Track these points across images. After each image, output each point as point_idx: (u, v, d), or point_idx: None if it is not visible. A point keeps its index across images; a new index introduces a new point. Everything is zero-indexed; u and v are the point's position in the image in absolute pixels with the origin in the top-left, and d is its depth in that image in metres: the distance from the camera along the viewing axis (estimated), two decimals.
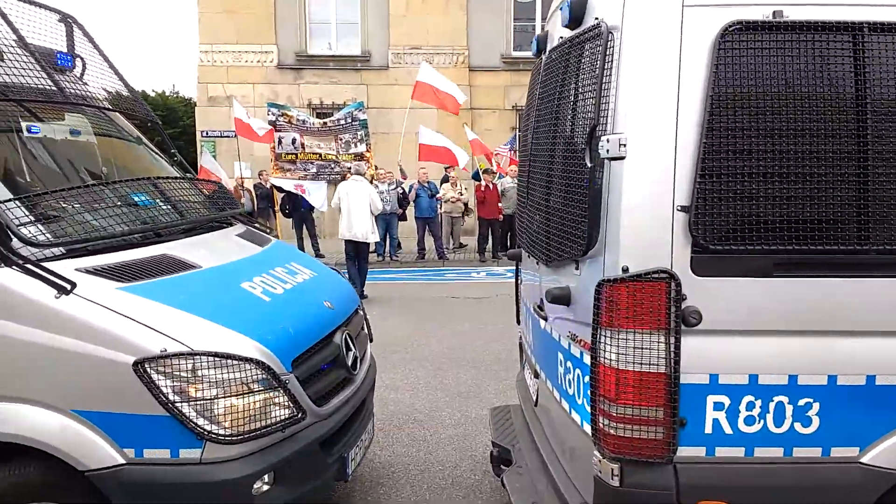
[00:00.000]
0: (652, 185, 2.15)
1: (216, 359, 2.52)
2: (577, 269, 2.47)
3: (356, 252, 10.11)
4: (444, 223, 14.28)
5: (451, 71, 17.62)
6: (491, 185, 13.65)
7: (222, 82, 18.15)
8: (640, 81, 2.16)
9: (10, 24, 3.28)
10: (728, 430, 2.23)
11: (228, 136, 17.41)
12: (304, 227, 14.43)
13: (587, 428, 2.40)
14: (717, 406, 2.22)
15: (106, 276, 2.62)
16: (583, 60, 2.44)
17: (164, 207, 3.41)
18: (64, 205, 2.91)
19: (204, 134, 18.23)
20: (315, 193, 13.48)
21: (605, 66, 2.22)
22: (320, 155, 14.57)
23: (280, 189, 14.07)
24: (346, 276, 9.27)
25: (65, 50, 3.86)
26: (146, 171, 4.00)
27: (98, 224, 2.86)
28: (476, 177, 14.31)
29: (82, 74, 3.91)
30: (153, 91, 28.14)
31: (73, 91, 3.63)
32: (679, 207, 2.14)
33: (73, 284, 2.46)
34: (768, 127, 2.12)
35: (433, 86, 13.81)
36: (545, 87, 2.91)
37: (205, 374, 2.50)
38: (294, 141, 14.53)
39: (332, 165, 14.91)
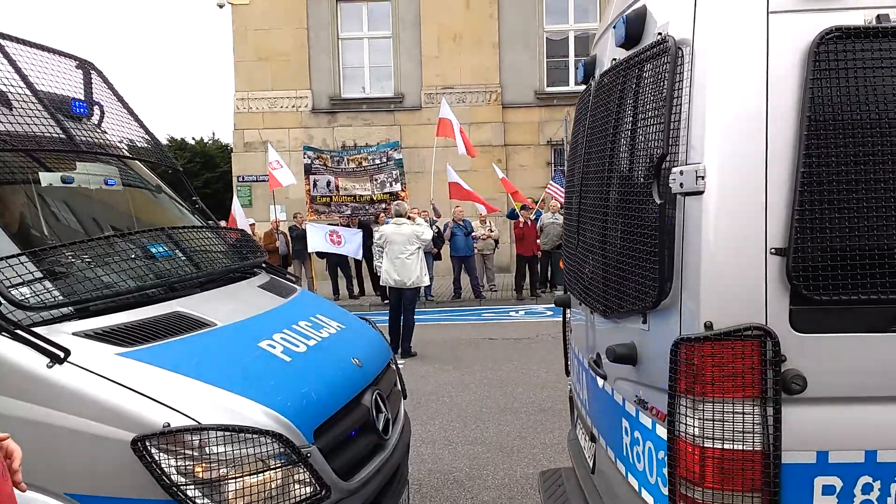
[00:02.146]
0: (739, 224, 1.79)
1: (227, 433, 2.19)
2: (644, 322, 2.09)
3: (399, 301, 8.85)
4: (476, 262, 13.95)
5: (484, 109, 17.53)
6: (529, 222, 13.31)
7: (258, 128, 18.34)
8: (718, 103, 1.82)
9: (17, 69, 3.10)
10: None
11: (264, 181, 17.49)
12: (339, 269, 14.22)
13: None
14: (828, 490, 1.82)
15: (106, 340, 2.34)
16: (643, 82, 2.11)
17: (181, 259, 3.14)
18: (70, 260, 2.66)
19: (240, 179, 18.37)
20: (350, 242, 13.25)
21: (675, 87, 1.89)
22: (355, 197, 14.45)
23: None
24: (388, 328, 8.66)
25: (81, 97, 3.68)
26: (166, 220, 3.77)
27: (105, 281, 2.59)
28: (512, 215, 14.01)
29: (100, 122, 3.72)
30: (192, 139, 28.65)
31: (86, 139, 3.42)
32: (773, 250, 1.77)
33: (67, 352, 2.18)
34: (879, 150, 1.74)
35: (450, 121, 13.79)
36: (596, 116, 2.58)
37: (214, 450, 2.17)
38: (329, 183, 14.44)
39: (367, 207, 14.76)
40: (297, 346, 2.82)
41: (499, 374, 7.54)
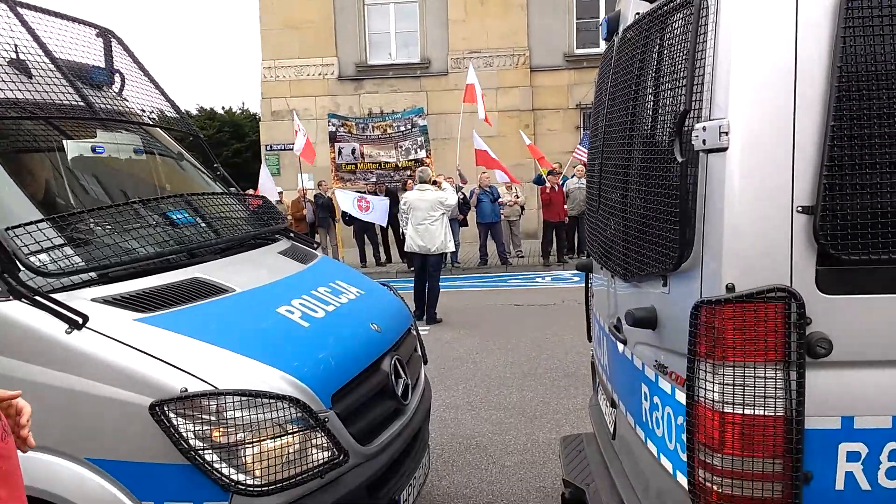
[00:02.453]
0: (763, 181, 1.71)
1: (244, 398, 2.20)
2: (664, 285, 2.03)
3: (423, 267, 8.81)
4: (503, 228, 13.86)
5: (511, 73, 17.25)
6: (556, 187, 13.15)
7: (285, 96, 18.31)
8: (744, 55, 1.72)
9: (36, 37, 3.09)
10: (865, 485, 1.75)
11: (291, 149, 17.53)
12: (366, 236, 14.26)
13: (681, 479, 1.97)
14: (852, 456, 1.75)
15: (124, 306, 2.35)
16: (666, 36, 2.02)
17: (201, 225, 3.14)
18: (89, 227, 2.67)
19: (268, 148, 18.43)
20: (377, 209, 13.24)
21: (698, 40, 1.80)
22: (380, 164, 14.40)
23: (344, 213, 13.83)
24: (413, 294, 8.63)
25: (102, 65, 3.68)
26: (187, 187, 3.78)
27: (125, 247, 2.60)
28: (538, 181, 13.86)
29: (121, 90, 3.72)
30: (222, 108, 28.75)
31: (107, 107, 3.42)
32: (800, 208, 1.69)
33: (86, 318, 2.19)
34: None
35: (474, 86, 13.64)
36: (619, 73, 2.49)
37: (231, 415, 2.19)
38: (354, 151, 14.41)
39: (392, 173, 14.72)
40: (316, 312, 2.82)
41: (523, 339, 7.53)
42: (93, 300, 2.32)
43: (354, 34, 17.97)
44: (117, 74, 3.73)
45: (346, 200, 13.17)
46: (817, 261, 1.70)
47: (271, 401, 2.24)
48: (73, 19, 3.49)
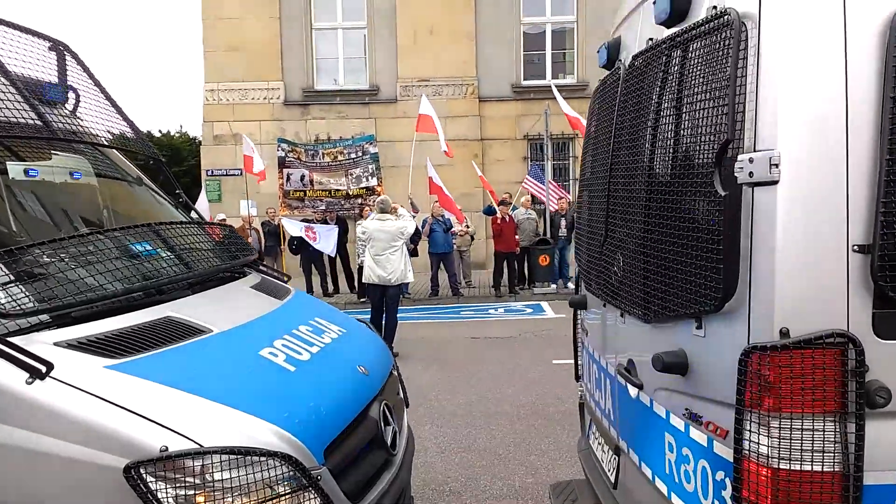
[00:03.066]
0: (817, 218, 1.61)
1: (232, 456, 1.95)
2: (699, 327, 1.91)
3: (382, 300, 8.46)
4: (454, 258, 13.73)
5: (460, 102, 17.30)
6: (507, 218, 13.14)
7: (228, 120, 17.83)
8: (792, 82, 1.63)
9: None
10: None
11: (234, 175, 17.05)
12: (313, 266, 13.88)
13: None
14: None
15: (92, 351, 2.08)
16: (694, 62, 1.92)
17: (169, 258, 2.87)
18: (48, 261, 2.38)
19: (209, 173, 17.84)
20: (325, 238, 12.91)
21: (739, 66, 1.70)
22: (330, 191, 14.12)
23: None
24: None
25: (55, 81, 3.38)
26: (148, 215, 3.49)
27: (89, 283, 2.32)
28: (489, 211, 13.84)
29: (75, 108, 3.42)
30: (159, 131, 27.88)
31: (63, 126, 3.12)
32: (856, 247, 1.59)
33: (50, 365, 1.91)
34: None
35: (431, 117, 13.50)
36: (629, 103, 2.39)
37: (218, 476, 1.93)
38: (303, 177, 14.10)
39: (342, 202, 14.47)
40: (300, 354, 2.59)
41: (485, 375, 7.35)
42: (56, 344, 2.04)
43: (301, 58, 17.71)
44: (71, 91, 3.44)
45: (293, 230, 12.82)
46: (874, 303, 1.61)
47: (262, 458, 1.99)
48: (25, 30, 3.20)
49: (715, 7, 1.85)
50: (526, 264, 13.73)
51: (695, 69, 1.91)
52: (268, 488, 2.00)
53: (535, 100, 16.99)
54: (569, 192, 16.37)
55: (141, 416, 1.93)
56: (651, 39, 2.28)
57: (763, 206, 1.65)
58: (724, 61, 1.74)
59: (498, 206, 13.42)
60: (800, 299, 1.62)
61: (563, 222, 13.56)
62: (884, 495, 1.63)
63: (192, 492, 1.90)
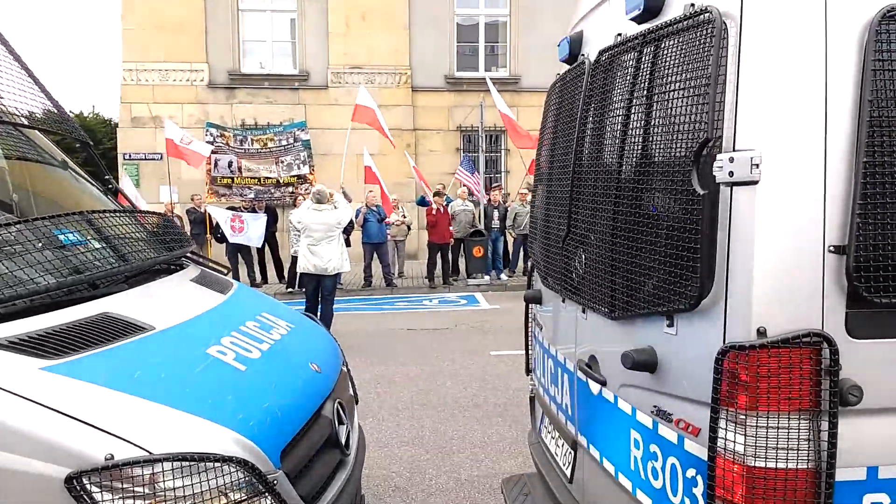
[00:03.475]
0: (795, 218, 1.62)
1: (184, 463, 1.82)
2: (670, 325, 1.90)
3: (317, 291, 8.34)
4: (389, 248, 13.60)
5: (393, 91, 17.13)
6: (441, 209, 13.10)
7: (148, 102, 17.02)
8: (776, 83, 1.63)
9: None
10: None
11: (153, 160, 16.33)
12: (240, 255, 13.45)
13: None
14: None
15: (25, 352, 1.89)
16: (669, 59, 1.90)
17: (101, 249, 2.66)
18: None
19: (126, 157, 16.98)
20: (253, 227, 12.50)
21: (720, 65, 1.69)
22: (260, 179, 13.69)
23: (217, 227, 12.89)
24: None
25: None
26: (75, 202, 3.25)
27: (17, 276, 2.12)
28: (422, 202, 13.77)
29: None
30: (71, 112, 26.38)
31: None
32: (832, 248, 1.61)
33: None
34: None
35: (373, 109, 13.23)
36: (595, 97, 2.36)
37: (168, 485, 1.80)
38: (231, 164, 13.62)
39: (273, 190, 14.08)
40: (250, 352, 2.45)
41: (424, 367, 7.30)
42: None
43: (227, 40, 17.07)
44: None
45: (220, 219, 12.35)
46: (847, 304, 1.63)
47: (216, 465, 1.87)
48: None
49: (693, 5, 1.83)
50: (462, 256, 13.73)
51: (670, 66, 1.89)
52: (222, 496, 1.88)
53: (468, 91, 17.01)
54: (501, 185, 16.49)
55: (83, 421, 1.77)
56: (619, 35, 2.25)
57: (742, 206, 1.65)
58: (705, 59, 1.72)
59: (433, 197, 13.36)
60: (777, 299, 1.63)
61: (495, 214, 13.63)
62: (853, 491, 1.66)
63: (140, 502, 1.76)
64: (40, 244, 2.35)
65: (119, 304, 2.37)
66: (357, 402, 3.26)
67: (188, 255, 3.33)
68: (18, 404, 1.73)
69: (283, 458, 2.14)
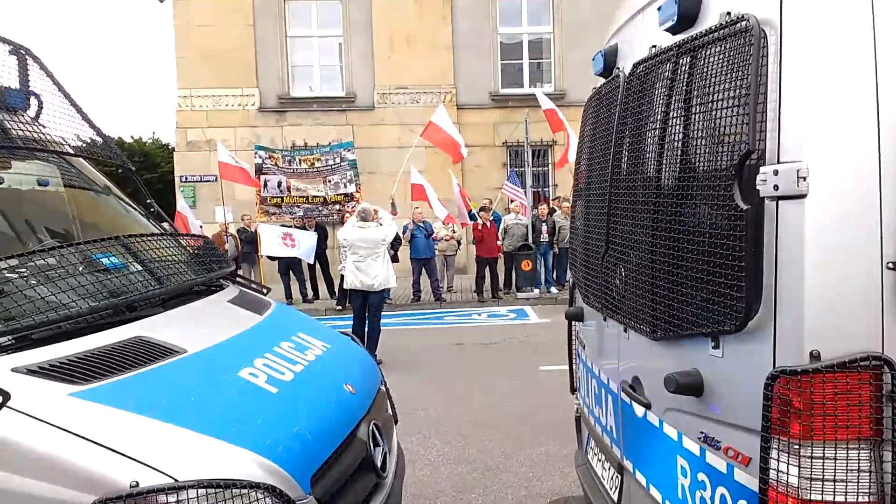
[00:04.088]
0: (849, 233, 1.50)
1: (211, 490, 1.78)
2: (716, 347, 1.78)
3: (364, 307, 8.27)
4: (437, 263, 13.57)
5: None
6: (488, 224, 13.02)
7: (202, 126, 17.53)
8: (821, 90, 1.52)
9: None
10: None
11: (209, 181, 16.75)
12: (292, 272, 13.63)
13: None
14: None
15: (55, 378, 1.90)
16: (707, 69, 1.80)
17: (139, 272, 2.69)
18: (5, 277, 2.19)
19: (183, 179, 17.51)
20: (304, 244, 12.67)
21: (760, 74, 1.59)
22: (307, 198, 13.90)
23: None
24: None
25: (16, 86, 3.19)
26: (116, 226, 3.30)
27: (51, 301, 2.14)
28: (469, 217, 13.70)
29: (38, 115, 3.23)
30: (131, 137, 27.34)
31: (24, 134, 2.93)
32: (891, 264, 1.48)
33: (7, 395, 1.74)
34: None
35: (444, 129, 13.26)
36: (631, 110, 2.27)
37: None
38: (280, 184, 13.87)
39: (320, 208, 14.27)
40: (283, 374, 2.42)
41: (471, 383, 7.20)
42: (14, 370, 1.86)
43: (276, 66, 17.48)
44: (34, 97, 3.24)
45: (270, 237, 12.53)
46: None
47: (243, 491, 1.83)
48: None
49: (729, 13, 1.74)
50: (513, 270, 13.58)
51: (708, 76, 1.79)
52: None
53: (513, 108, 16.94)
54: (549, 199, 16.32)
55: (108, 448, 1.75)
56: (654, 46, 2.16)
57: (789, 221, 1.54)
58: (743, 68, 1.62)
59: (479, 212, 13.30)
60: (831, 320, 1.50)
61: (544, 227, 13.48)
62: None
63: None
64: (76, 269, 2.37)
65: (153, 327, 2.38)
66: (396, 422, 3.20)
67: (228, 276, 3.34)
68: (44, 430, 1.73)
69: (315, 483, 2.09)
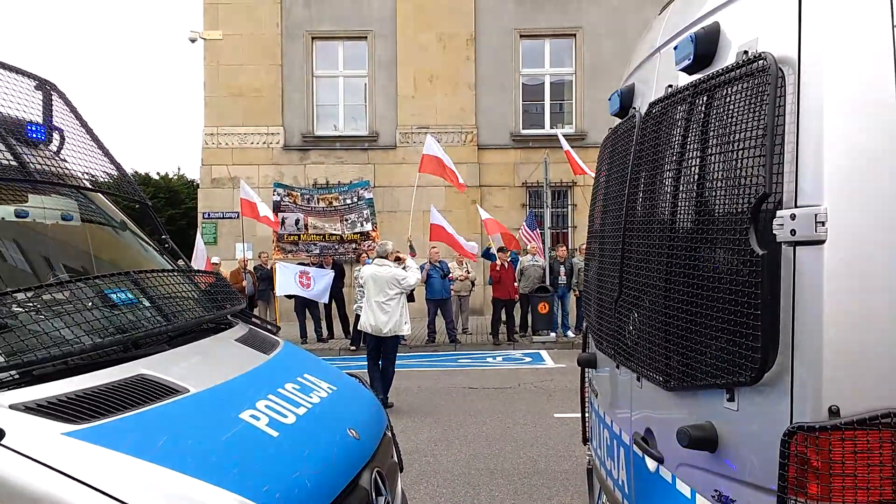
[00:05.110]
0: (870, 282, 1.43)
1: None
2: (731, 399, 1.71)
3: (379, 349, 8.12)
4: (452, 304, 13.48)
5: (459, 149, 17.31)
6: (506, 264, 12.96)
7: (227, 164, 17.82)
8: (840, 131, 1.47)
9: None
10: None
11: (231, 218, 16.93)
12: (307, 310, 13.63)
13: None
14: None
15: (51, 416, 1.86)
16: (723, 110, 1.77)
17: (146, 308, 2.67)
18: (10, 311, 2.18)
19: (206, 216, 17.74)
20: (319, 284, 12.68)
21: (777, 115, 1.55)
22: (324, 236, 13.97)
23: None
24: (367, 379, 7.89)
25: (39, 121, 3.24)
26: (130, 261, 3.31)
27: (54, 336, 2.12)
28: (487, 255, 13.64)
29: (59, 149, 3.27)
30: (157, 174, 27.88)
31: (43, 168, 2.96)
32: None
33: (1, 433, 1.69)
34: None
35: (440, 158, 13.23)
36: (646, 151, 2.23)
37: None
38: (297, 222, 13.97)
39: (337, 246, 14.33)
40: (286, 417, 2.36)
41: (483, 429, 7.06)
42: (11, 407, 1.83)
43: (302, 105, 17.82)
44: (56, 132, 3.29)
45: (286, 278, 12.54)
46: None
47: None
48: (8, 67, 3.07)
49: (746, 52, 1.71)
50: (529, 312, 13.45)
51: (724, 117, 1.76)
52: None
53: (533, 148, 17.05)
54: (568, 240, 16.26)
55: (100, 491, 1.70)
56: (670, 86, 2.14)
57: (807, 268, 1.48)
58: (760, 108, 1.59)
59: (497, 252, 13.25)
60: (851, 373, 1.43)
61: (562, 269, 13.38)
62: None
63: None
64: (83, 304, 2.36)
65: (157, 365, 2.34)
66: (402, 470, 3.12)
67: (238, 313, 3.32)
68: (37, 472, 1.68)
69: None
